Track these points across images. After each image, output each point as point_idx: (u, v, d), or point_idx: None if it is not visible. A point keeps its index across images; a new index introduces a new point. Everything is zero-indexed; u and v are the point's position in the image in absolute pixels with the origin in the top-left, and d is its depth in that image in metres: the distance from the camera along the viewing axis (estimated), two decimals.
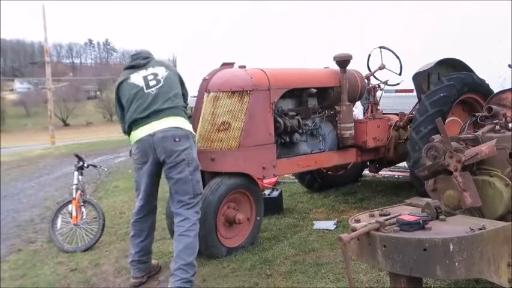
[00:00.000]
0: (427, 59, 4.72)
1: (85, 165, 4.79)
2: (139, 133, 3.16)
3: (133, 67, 3.35)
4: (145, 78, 3.26)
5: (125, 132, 3.35)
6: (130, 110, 3.22)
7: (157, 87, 3.23)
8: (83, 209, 4.57)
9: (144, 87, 3.22)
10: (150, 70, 3.31)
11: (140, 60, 3.36)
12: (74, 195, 4.53)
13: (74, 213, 4.47)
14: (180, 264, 3.00)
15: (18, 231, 5.24)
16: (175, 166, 3.10)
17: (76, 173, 4.71)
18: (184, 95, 3.47)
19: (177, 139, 3.09)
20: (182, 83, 3.46)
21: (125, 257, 3.89)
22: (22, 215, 6.10)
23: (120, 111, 3.34)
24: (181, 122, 3.20)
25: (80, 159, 4.80)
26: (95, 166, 5.04)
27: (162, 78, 3.28)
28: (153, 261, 3.51)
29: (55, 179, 9.02)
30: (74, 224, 4.45)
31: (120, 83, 3.31)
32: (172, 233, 3.50)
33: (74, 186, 4.59)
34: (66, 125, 48.56)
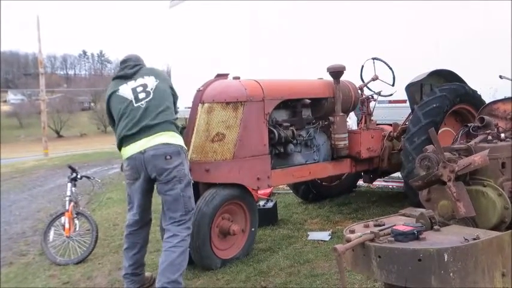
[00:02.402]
0: (419, 70, 4.77)
1: (78, 176, 4.75)
2: (130, 150, 3.10)
3: (122, 77, 3.27)
4: (134, 90, 3.17)
5: (117, 147, 3.28)
6: (120, 126, 3.15)
7: (147, 100, 3.14)
8: (76, 221, 4.52)
9: (134, 101, 3.14)
10: (139, 81, 3.22)
11: (128, 70, 3.27)
12: (67, 207, 4.49)
13: (66, 225, 4.43)
14: (163, 282, 2.93)
15: (10, 244, 5.18)
16: (167, 183, 3.05)
17: (69, 184, 4.67)
18: (174, 102, 3.37)
19: (168, 157, 3.02)
20: (172, 89, 3.35)
21: (118, 269, 3.85)
22: (14, 227, 6.03)
23: (113, 123, 3.30)
24: (172, 138, 3.11)
25: (73, 170, 4.77)
26: (88, 177, 5.00)
27: (151, 89, 3.18)
28: (147, 274, 3.47)
29: (48, 191, 8.95)
30: (67, 236, 4.41)
31: (110, 96, 3.25)
32: None
33: (67, 198, 4.55)
34: (59, 136, 48.29)
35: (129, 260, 3.28)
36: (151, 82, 3.22)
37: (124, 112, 3.14)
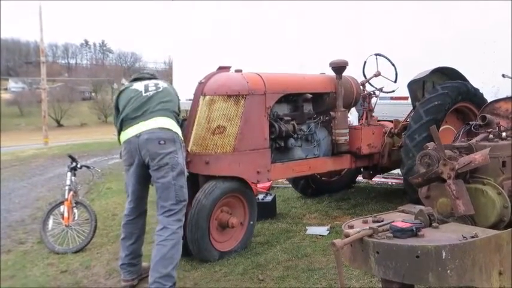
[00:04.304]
0: (422, 67, 4.76)
1: (78, 166, 4.75)
2: (127, 134, 3.16)
3: (138, 79, 3.46)
4: (146, 85, 3.32)
5: (118, 139, 3.32)
6: (124, 111, 3.22)
7: (154, 91, 3.27)
8: (75, 210, 4.53)
9: (143, 92, 3.27)
10: (153, 81, 3.39)
11: (145, 75, 3.52)
12: (66, 196, 4.49)
13: (65, 214, 4.43)
14: (155, 277, 2.93)
15: (9, 232, 5.19)
16: (159, 170, 3.04)
17: (69, 173, 4.67)
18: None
19: (161, 141, 3.04)
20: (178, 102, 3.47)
21: (116, 259, 3.86)
22: (13, 215, 6.04)
23: (117, 116, 3.34)
24: (169, 123, 3.15)
25: (73, 159, 4.77)
26: (88, 167, 5.00)
27: (162, 86, 3.34)
28: (144, 264, 3.47)
29: (47, 180, 8.95)
30: (66, 225, 4.41)
31: (122, 90, 3.38)
32: None
33: (67, 187, 4.55)
34: (60, 125, 48.29)
35: (126, 250, 3.30)
36: (163, 84, 3.41)
37: (130, 99, 3.24)
